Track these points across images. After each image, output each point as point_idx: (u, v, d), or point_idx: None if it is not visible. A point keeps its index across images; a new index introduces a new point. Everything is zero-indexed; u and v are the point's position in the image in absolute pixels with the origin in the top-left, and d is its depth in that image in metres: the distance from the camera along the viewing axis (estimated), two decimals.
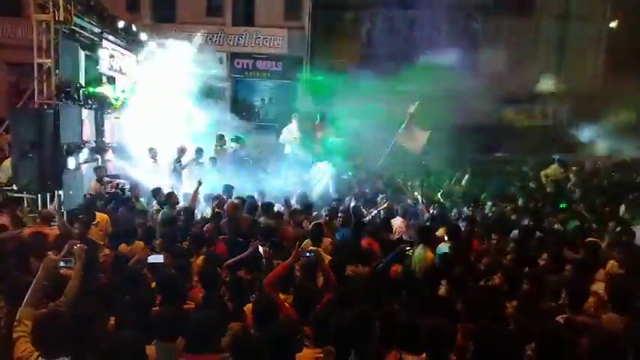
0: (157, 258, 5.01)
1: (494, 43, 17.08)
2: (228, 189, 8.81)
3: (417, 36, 17.52)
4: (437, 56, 15.50)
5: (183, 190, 9.17)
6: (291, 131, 13.63)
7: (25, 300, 3.45)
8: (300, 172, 11.53)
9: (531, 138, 15.93)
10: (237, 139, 12.67)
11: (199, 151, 10.90)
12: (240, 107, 18.02)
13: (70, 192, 8.30)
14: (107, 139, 10.69)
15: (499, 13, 18.08)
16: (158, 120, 11.31)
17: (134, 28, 11.56)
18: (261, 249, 5.44)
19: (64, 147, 8.34)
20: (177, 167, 10.45)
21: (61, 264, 4.02)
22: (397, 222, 7.75)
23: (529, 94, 17.91)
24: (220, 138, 12.38)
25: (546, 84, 17.79)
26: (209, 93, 14.60)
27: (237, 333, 3.41)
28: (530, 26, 18.49)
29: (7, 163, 8.53)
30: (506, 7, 18.07)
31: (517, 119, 17.75)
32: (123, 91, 10.87)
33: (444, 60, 15.29)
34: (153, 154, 10.56)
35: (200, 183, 8.19)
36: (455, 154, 12.96)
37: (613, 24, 19.45)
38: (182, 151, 10.79)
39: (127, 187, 9.59)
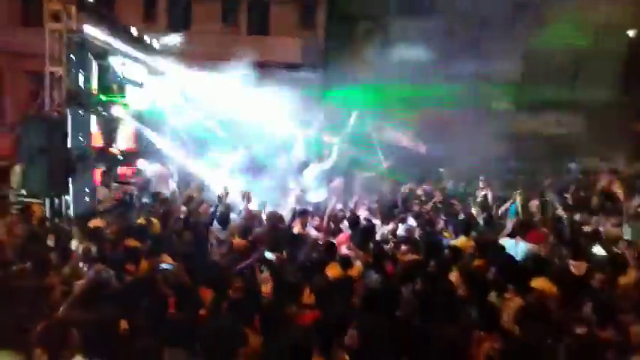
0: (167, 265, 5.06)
1: (508, 54, 16.90)
2: None
3: (433, 45, 17.41)
4: (452, 66, 15.41)
5: None
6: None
7: None
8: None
9: (546, 146, 15.71)
10: None
11: None
12: None
13: (78, 197, 8.42)
14: (119, 146, 10.88)
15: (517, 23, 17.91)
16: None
17: (147, 37, 11.74)
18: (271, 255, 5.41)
19: (73, 153, 8.47)
20: None
21: None
22: None
23: (544, 102, 17.70)
24: None
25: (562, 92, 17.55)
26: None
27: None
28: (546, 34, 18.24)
29: (18, 168, 8.70)
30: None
31: (532, 127, 17.53)
32: (134, 99, 11.02)
33: (460, 69, 15.20)
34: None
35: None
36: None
37: (631, 32, 19.17)
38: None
39: (136, 193, 9.71)
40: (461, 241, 6.46)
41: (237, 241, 6.00)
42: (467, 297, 4.45)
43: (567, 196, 9.72)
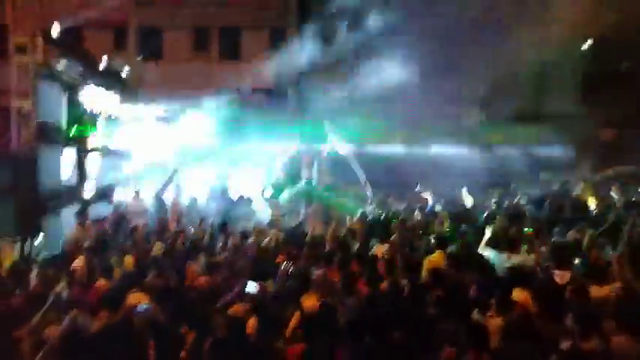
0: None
1: (476, 70, 17.38)
2: None
3: (405, 65, 17.73)
4: (425, 84, 15.72)
5: None
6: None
7: None
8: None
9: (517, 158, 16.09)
10: None
11: None
12: None
13: (50, 237, 8.12)
14: (90, 180, 10.60)
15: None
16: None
17: (118, 68, 11.63)
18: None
19: (44, 191, 8.22)
20: None
21: None
22: None
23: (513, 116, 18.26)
24: None
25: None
26: None
27: None
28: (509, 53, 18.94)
29: None
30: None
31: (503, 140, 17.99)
32: (105, 132, 10.83)
33: (432, 88, 15.52)
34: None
35: None
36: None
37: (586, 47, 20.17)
38: None
39: (110, 231, 9.43)
40: (435, 256, 6.42)
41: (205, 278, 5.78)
42: (449, 316, 4.39)
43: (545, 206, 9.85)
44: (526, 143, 18.94)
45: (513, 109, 18.75)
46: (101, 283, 5.54)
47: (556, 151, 17.32)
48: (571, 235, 7.19)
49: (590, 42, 20.41)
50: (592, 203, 10.04)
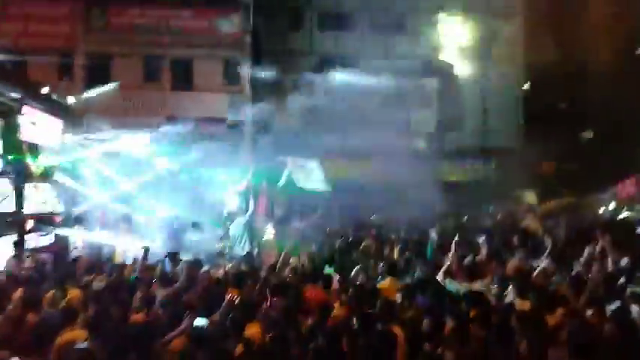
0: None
1: (423, 105, 18.11)
2: None
3: (354, 97, 18.12)
4: (375, 116, 16.12)
5: None
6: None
7: None
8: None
9: (466, 192, 16.62)
10: None
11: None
12: None
13: None
14: (27, 209, 9.95)
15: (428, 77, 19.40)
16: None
17: (62, 95, 11.17)
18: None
19: None
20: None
21: None
22: None
23: (459, 150, 19.05)
24: None
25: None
26: None
27: None
28: (454, 89, 19.98)
29: None
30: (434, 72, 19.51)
31: (450, 175, 18.64)
32: (46, 158, 10.27)
33: (382, 119, 15.93)
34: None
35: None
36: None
37: (526, 86, 21.61)
38: None
39: (48, 262, 8.84)
40: (387, 282, 6.40)
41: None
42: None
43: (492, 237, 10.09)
44: (471, 177, 19.78)
45: (458, 144, 19.62)
46: (33, 318, 5.09)
47: (498, 183, 18.09)
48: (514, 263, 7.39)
49: (528, 82, 21.89)
50: (538, 233, 10.44)
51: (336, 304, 5.63)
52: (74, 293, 6.04)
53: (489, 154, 20.38)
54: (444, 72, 20.20)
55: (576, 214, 13.64)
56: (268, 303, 5.59)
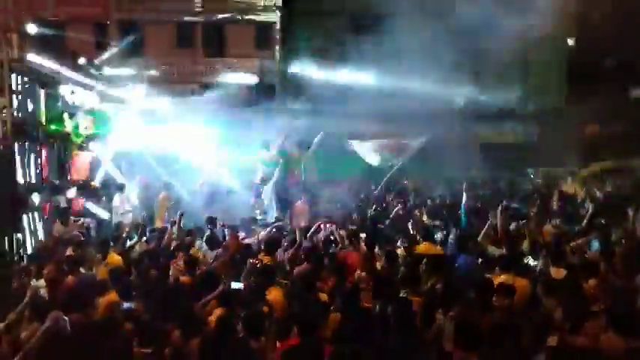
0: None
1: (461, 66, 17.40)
2: None
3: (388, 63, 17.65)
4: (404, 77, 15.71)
5: None
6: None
7: None
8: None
9: (505, 155, 16.12)
10: None
11: None
12: None
13: (29, 233, 7.93)
14: (73, 177, 10.38)
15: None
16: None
17: (98, 63, 11.40)
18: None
19: (22, 187, 8.01)
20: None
21: None
22: None
23: (499, 112, 18.32)
24: None
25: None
26: None
27: None
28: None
29: None
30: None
31: (489, 137, 18.03)
32: (86, 127, 10.58)
33: (411, 81, 15.52)
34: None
35: None
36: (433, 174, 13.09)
37: (571, 41, 20.28)
38: None
39: (93, 225, 9.25)
40: (424, 246, 6.38)
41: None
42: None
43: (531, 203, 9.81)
44: (510, 139, 19.10)
45: (498, 103, 18.82)
46: (71, 280, 5.39)
47: (540, 147, 17.42)
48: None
49: (573, 39, 20.59)
50: (579, 197, 10.10)
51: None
52: (114, 258, 6.30)
53: (531, 115, 19.49)
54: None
55: (620, 179, 13.08)
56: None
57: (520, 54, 19.49)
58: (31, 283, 5.61)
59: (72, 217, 9.30)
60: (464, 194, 8.21)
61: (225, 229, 7.67)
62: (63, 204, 9.50)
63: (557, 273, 5.07)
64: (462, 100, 18.50)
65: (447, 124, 14.74)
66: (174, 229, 7.36)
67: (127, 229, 7.84)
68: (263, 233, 7.60)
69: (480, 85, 18.13)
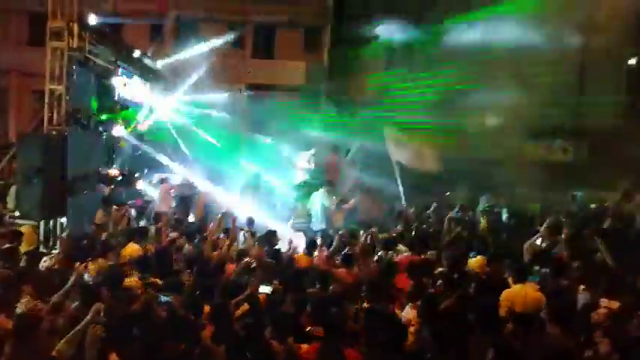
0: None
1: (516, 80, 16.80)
2: None
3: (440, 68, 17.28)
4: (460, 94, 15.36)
5: None
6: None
7: None
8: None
9: (551, 174, 15.45)
10: None
11: None
12: None
13: (76, 220, 8.17)
14: (119, 166, 10.66)
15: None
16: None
17: (150, 56, 11.68)
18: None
19: (71, 174, 8.26)
20: None
21: None
22: None
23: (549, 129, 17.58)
24: None
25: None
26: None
27: None
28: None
29: (13, 189, 8.49)
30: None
31: (537, 154, 17.34)
32: (136, 120, 10.88)
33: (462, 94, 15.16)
34: None
35: None
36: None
37: (632, 61, 19.23)
38: None
39: (133, 216, 9.43)
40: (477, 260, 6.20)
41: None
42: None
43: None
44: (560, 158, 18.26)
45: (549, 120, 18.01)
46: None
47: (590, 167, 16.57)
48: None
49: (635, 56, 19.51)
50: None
51: None
52: (133, 248, 6.35)
53: (584, 134, 18.55)
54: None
55: None
56: None
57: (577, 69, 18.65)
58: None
59: (114, 207, 9.56)
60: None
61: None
62: (108, 193, 9.75)
63: (610, 304, 4.71)
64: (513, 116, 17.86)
65: (494, 140, 14.33)
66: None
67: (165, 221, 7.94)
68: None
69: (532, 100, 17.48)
